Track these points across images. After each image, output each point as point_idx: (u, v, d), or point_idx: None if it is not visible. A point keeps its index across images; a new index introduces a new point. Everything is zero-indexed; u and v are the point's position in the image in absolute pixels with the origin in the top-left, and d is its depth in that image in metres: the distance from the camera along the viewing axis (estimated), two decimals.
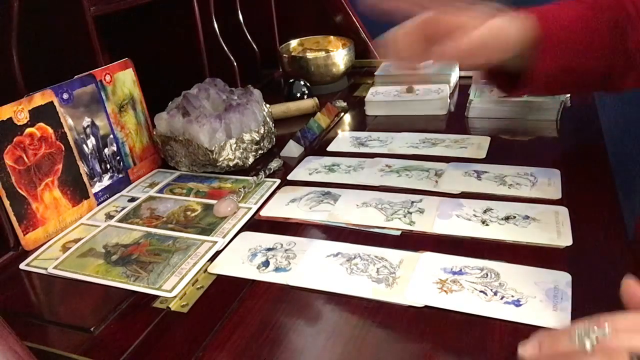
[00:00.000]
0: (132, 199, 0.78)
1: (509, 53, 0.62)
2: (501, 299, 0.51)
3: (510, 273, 0.55)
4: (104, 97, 0.80)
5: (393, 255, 0.59)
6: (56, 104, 0.72)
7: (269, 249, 0.63)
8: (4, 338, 0.41)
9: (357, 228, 0.66)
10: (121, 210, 0.75)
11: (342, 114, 1.04)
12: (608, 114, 1.22)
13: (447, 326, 0.49)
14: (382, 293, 0.54)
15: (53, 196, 0.71)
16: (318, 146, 0.91)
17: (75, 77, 0.77)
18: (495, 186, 0.72)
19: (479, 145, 0.84)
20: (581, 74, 0.64)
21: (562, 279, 0.53)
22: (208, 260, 0.62)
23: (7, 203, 0.65)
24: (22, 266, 0.65)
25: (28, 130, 0.68)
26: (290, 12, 1.33)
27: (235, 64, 1.09)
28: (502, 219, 0.64)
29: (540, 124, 0.90)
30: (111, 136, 0.81)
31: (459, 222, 0.64)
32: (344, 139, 0.93)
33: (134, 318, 0.54)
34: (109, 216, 0.74)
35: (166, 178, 0.85)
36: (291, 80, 1.11)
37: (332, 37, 1.27)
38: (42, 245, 0.68)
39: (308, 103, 1.06)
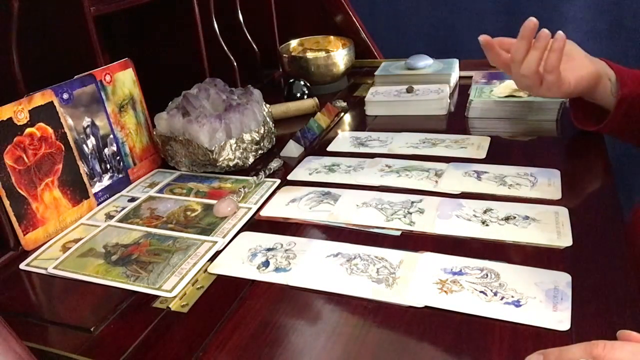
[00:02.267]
0: (132, 199, 0.78)
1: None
2: (501, 299, 0.51)
3: (510, 273, 0.55)
4: (104, 97, 0.80)
5: (393, 255, 0.59)
6: (56, 104, 0.72)
7: (269, 249, 0.63)
8: (4, 338, 0.41)
9: (357, 228, 0.66)
10: (121, 210, 0.75)
11: (342, 114, 1.04)
12: None
13: (446, 326, 0.49)
14: (382, 293, 0.54)
15: (53, 196, 0.71)
16: (318, 146, 0.91)
17: (75, 77, 0.77)
18: (495, 186, 0.72)
19: (479, 145, 0.84)
20: None
21: (562, 280, 0.53)
22: (208, 260, 0.62)
23: (7, 203, 0.65)
24: (22, 266, 0.65)
25: (28, 130, 0.68)
26: (290, 12, 1.33)
27: (235, 64, 1.09)
28: (502, 219, 0.64)
29: (540, 124, 0.90)
30: (111, 136, 0.81)
31: (459, 222, 0.64)
32: (344, 139, 0.93)
33: (134, 318, 0.54)
34: (109, 216, 0.74)
35: (166, 178, 0.85)
36: (291, 80, 1.11)
37: (332, 37, 1.27)
38: (42, 245, 0.68)
39: (308, 103, 1.06)
